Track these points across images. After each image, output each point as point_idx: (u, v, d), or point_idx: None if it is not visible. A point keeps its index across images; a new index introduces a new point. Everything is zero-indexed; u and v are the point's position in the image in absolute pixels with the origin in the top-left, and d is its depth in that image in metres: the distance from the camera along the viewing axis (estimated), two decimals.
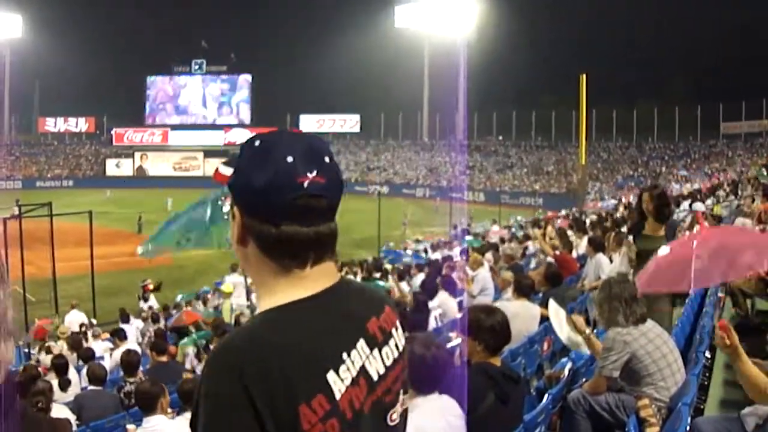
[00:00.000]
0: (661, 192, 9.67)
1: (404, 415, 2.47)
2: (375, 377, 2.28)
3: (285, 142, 2.23)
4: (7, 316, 1.76)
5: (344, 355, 2.18)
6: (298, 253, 2.21)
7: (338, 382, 2.13)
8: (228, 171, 2.31)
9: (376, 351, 2.31)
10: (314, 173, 2.17)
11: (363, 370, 2.23)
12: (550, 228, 23.70)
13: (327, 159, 2.25)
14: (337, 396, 2.11)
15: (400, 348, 2.45)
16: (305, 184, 2.15)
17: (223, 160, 2.49)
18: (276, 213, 2.16)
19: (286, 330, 2.13)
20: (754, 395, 5.47)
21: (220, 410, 2.03)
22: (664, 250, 6.28)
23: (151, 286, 28.23)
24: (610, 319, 7.02)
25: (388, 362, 2.35)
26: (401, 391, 2.43)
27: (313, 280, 2.25)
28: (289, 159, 2.16)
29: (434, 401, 5.02)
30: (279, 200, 2.14)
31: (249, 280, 23.77)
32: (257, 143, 2.25)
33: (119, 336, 17.78)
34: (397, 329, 2.47)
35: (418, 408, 4.86)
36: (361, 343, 2.26)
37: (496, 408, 5.81)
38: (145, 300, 28.13)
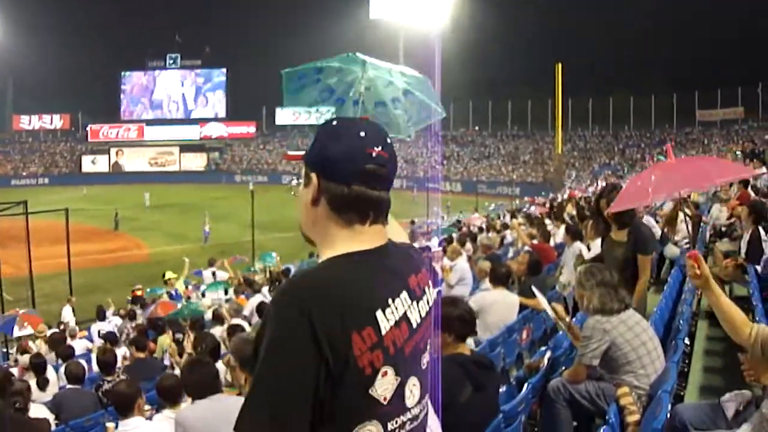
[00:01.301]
0: None
1: (427, 367, 2.81)
2: (414, 324, 2.63)
3: (357, 123, 2.74)
4: None
5: (390, 301, 2.54)
6: (362, 211, 2.62)
7: (384, 321, 2.48)
8: (298, 153, 2.56)
9: (415, 303, 2.66)
10: (380, 148, 2.63)
11: (404, 316, 2.58)
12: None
13: (388, 140, 2.71)
14: (383, 332, 2.46)
15: (430, 304, 2.81)
16: (373, 155, 2.60)
17: (288, 148, 2.71)
18: (349, 175, 2.58)
19: (343, 274, 2.50)
20: (729, 329, 5.48)
21: (285, 335, 2.34)
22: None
23: (139, 293, 28.08)
24: (602, 304, 7.00)
25: (423, 313, 2.70)
26: (428, 343, 2.79)
27: (369, 236, 2.65)
28: (362, 134, 2.62)
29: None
30: (352, 165, 2.58)
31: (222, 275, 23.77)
32: (334, 123, 2.73)
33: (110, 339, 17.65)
34: (429, 287, 2.83)
35: None
36: (404, 294, 2.62)
37: (474, 397, 5.81)
38: (134, 304, 27.94)
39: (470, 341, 10.16)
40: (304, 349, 2.32)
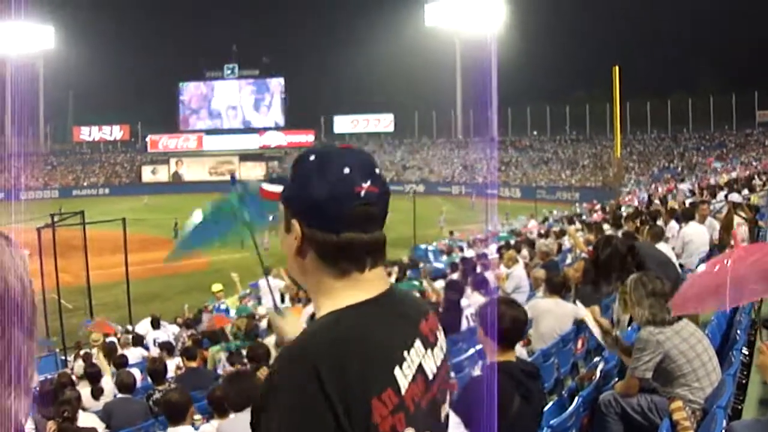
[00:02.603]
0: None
1: (448, 415, 2.55)
2: (431, 376, 2.37)
3: (338, 156, 2.37)
4: (28, 372, 1.66)
5: (405, 354, 2.29)
6: (358, 258, 2.33)
7: (402, 378, 2.22)
8: (275, 188, 2.53)
9: (429, 351, 2.41)
10: (369, 183, 2.31)
11: (420, 368, 2.33)
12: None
13: (377, 171, 2.39)
14: (403, 391, 2.20)
15: (444, 350, 2.56)
16: (362, 194, 2.29)
17: (263, 180, 2.57)
18: (337, 221, 2.28)
19: (355, 328, 2.23)
20: None
21: (297, 406, 2.08)
22: (700, 269, 6.20)
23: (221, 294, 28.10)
24: (653, 315, 6.82)
25: (438, 363, 2.46)
26: (447, 390, 2.54)
27: (370, 283, 2.36)
28: (346, 170, 2.30)
29: None
30: (340, 209, 2.27)
31: (277, 283, 23.88)
32: (312, 158, 2.38)
33: (166, 348, 17.71)
34: (440, 332, 2.58)
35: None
36: (418, 343, 2.37)
37: (523, 408, 5.66)
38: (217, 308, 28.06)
39: (524, 351, 10.04)
40: (319, 422, 2.07)
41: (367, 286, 2.35)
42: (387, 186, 2.42)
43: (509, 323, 6.13)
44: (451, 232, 51.76)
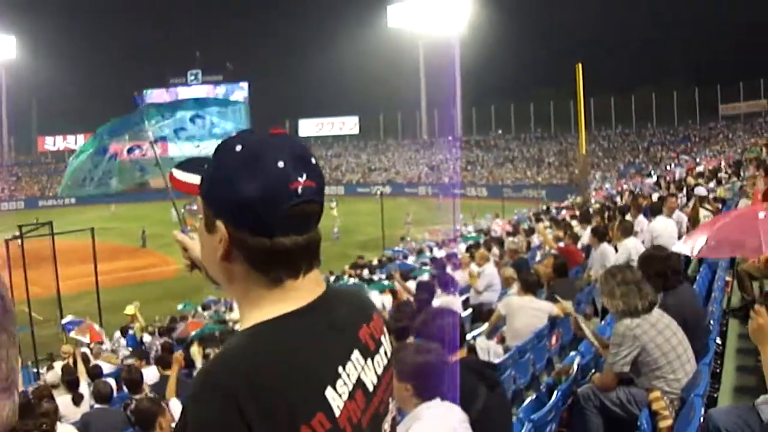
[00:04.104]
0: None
1: (394, 423, 2.37)
2: (371, 388, 2.16)
3: (270, 146, 2.04)
4: (10, 375, 1.63)
5: (340, 369, 2.05)
6: (292, 264, 2.06)
7: (336, 399, 1.98)
8: (191, 178, 2.25)
9: (369, 361, 2.19)
10: (305, 177, 2.01)
11: (359, 382, 2.10)
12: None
13: (312, 161, 2.08)
14: (337, 413, 1.97)
15: (389, 354, 2.35)
16: (299, 190, 1.99)
17: (176, 165, 2.34)
18: (271, 224, 1.98)
19: (279, 346, 1.97)
20: None
21: None
22: (723, 218, 6.23)
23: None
24: (626, 303, 6.85)
25: (380, 371, 2.24)
26: (390, 399, 2.33)
27: (304, 291, 2.10)
28: (280, 164, 1.98)
29: (436, 408, 4.90)
30: (274, 210, 1.97)
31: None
32: (239, 148, 2.02)
33: (139, 356, 17.66)
34: (384, 335, 2.36)
35: (420, 420, 4.76)
36: (356, 354, 2.14)
37: (490, 398, 5.70)
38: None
39: (499, 348, 10.10)
40: None
41: (299, 294, 2.09)
42: (323, 178, 2.13)
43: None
44: (402, 238, 51.54)
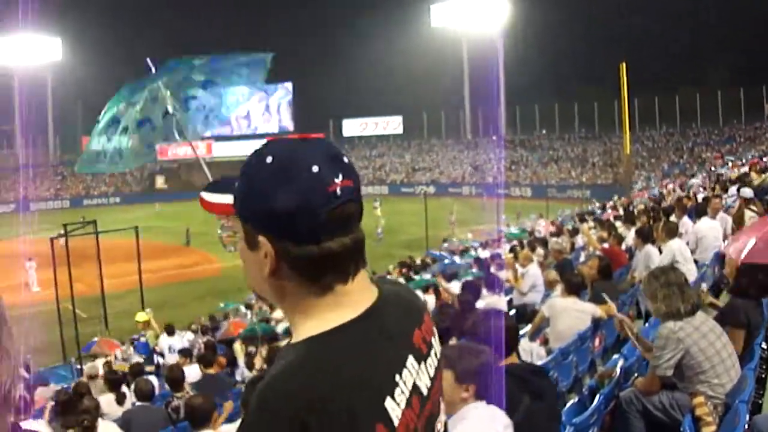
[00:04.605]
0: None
1: (445, 423, 2.34)
2: (425, 392, 2.13)
3: (301, 152, 2.02)
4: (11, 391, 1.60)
5: (397, 377, 2.03)
6: (341, 267, 2.03)
7: (395, 408, 1.97)
8: (222, 198, 2.20)
9: (422, 364, 2.16)
10: (341, 177, 1.99)
11: (415, 387, 2.08)
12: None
13: (345, 159, 2.06)
14: (395, 422, 1.96)
15: (438, 356, 2.30)
16: (338, 191, 1.97)
17: (204, 188, 2.30)
18: (316, 231, 1.95)
19: (337, 360, 1.93)
20: None
21: None
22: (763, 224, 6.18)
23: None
24: (668, 306, 6.79)
25: (432, 373, 2.20)
26: (440, 399, 2.31)
27: (355, 296, 2.07)
28: (315, 169, 1.96)
29: (483, 409, 4.88)
30: (316, 216, 1.93)
31: None
32: (270, 159, 2.01)
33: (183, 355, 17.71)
34: (434, 336, 2.32)
35: (465, 420, 4.73)
36: (411, 360, 2.11)
37: (534, 407, 5.65)
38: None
39: (542, 350, 10.05)
40: None
41: (350, 300, 2.06)
42: (358, 174, 2.09)
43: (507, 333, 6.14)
44: (445, 239, 51.31)
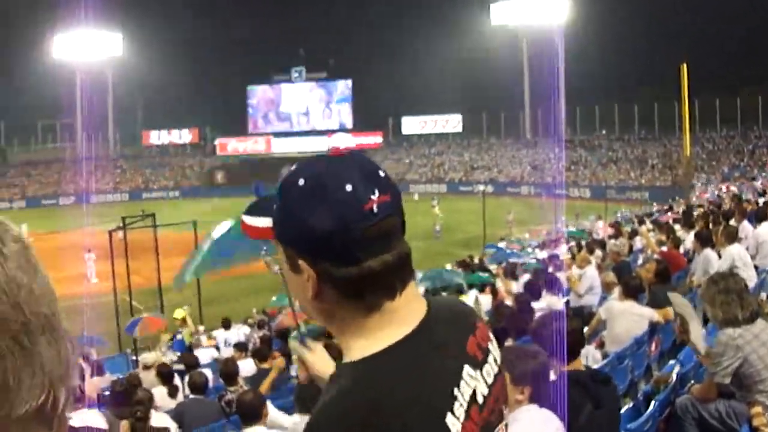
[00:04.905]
0: None
1: (506, 429, 2.27)
2: (481, 400, 2.06)
3: (333, 171, 1.98)
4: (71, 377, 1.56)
5: (455, 391, 1.98)
6: (387, 285, 1.98)
7: (455, 423, 1.93)
8: (262, 222, 2.20)
9: (479, 372, 2.09)
10: (377, 194, 1.93)
11: (472, 397, 2.03)
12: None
13: (381, 173, 2.01)
14: None
15: (498, 362, 2.24)
16: (374, 209, 1.91)
17: (245, 211, 2.28)
18: (354, 251, 1.91)
19: (394, 381, 1.90)
20: None
21: None
22: None
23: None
24: (726, 312, 6.71)
25: (490, 380, 2.14)
26: (504, 407, 2.25)
27: (405, 311, 2.02)
28: (348, 188, 1.91)
29: (533, 412, 4.87)
30: (352, 236, 1.89)
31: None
32: (302, 182, 1.98)
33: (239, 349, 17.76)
34: (491, 342, 2.25)
35: (517, 422, 4.72)
36: (467, 370, 2.05)
37: (594, 416, 5.62)
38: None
39: (597, 353, 10.00)
40: None
41: (400, 317, 2.01)
42: (397, 187, 2.04)
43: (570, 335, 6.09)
44: (502, 238, 51.10)
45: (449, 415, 1.92)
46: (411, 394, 1.87)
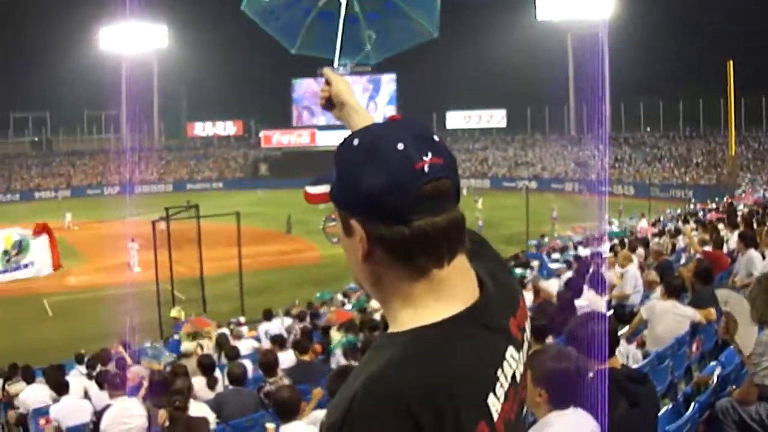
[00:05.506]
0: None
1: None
2: (518, 379, 2.13)
3: (387, 132, 2.03)
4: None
5: (499, 372, 2.03)
6: (435, 248, 1.99)
7: (496, 404, 1.98)
8: (322, 188, 2.19)
9: (518, 353, 2.16)
10: (430, 155, 1.96)
11: (513, 379, 2.09)
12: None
13: (435, 138, 2.04)
14: (495, 418, 1.97)
15: (529, 339, 2.32)
16: (426, 169, 1.94)
17: (308, 182, 2.30)
18: (404, 209, 1.93)
19: (446, 355, 1.92)
20: None
21: None
22: None
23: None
24: (763, 313, 6.67)
25: (524, 359, 2.22)
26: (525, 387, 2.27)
27: (454, 284, 2.04)
28: (400, 146, 1.95)
29: (569, 416, 4.84)
30: (404, 194, 1.92)
31: None
32: (356, 142, 2.03)
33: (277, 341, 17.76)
34: (527, 321, 2.32)
35: (550, 427, 4.71)
36: (510, 351, 2.11)
37: (629, 413, 5.59)
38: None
39: (638, 353, 9.95)
40: None
41: (450, 287, 2.03)
42: (451, 154, 2.05)
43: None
44: (543, 236, 50.76)
45: (491, 395, 1.97)
46: (460, 372, 1.91)
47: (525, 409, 2.28)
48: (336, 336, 17.00)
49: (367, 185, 1.94)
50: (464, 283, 2.09)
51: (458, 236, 2.05)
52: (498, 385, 2.00)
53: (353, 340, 16.77)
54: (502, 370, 2.04)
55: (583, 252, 32.23)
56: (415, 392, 1.82)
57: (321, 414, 9.03)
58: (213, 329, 21.60)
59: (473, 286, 2.12)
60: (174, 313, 26.15)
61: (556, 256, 35.26)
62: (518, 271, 24.62)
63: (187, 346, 17.85)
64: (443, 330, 1.96)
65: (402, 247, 1.97)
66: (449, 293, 2.03)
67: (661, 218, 49.27)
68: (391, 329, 2.05)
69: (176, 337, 23.41)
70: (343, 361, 14.73)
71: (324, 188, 2.18)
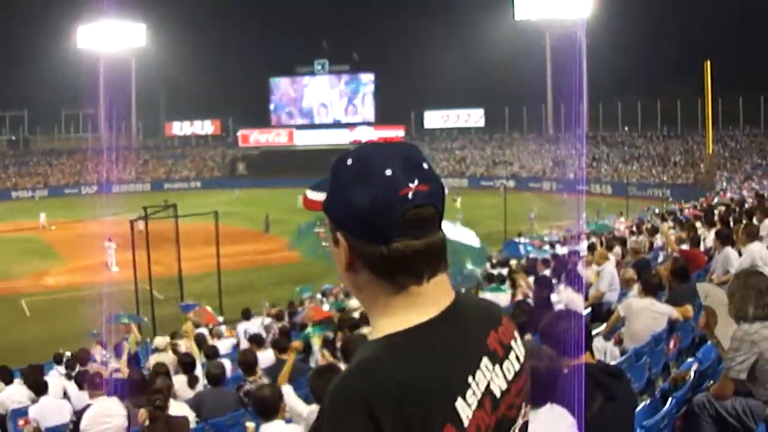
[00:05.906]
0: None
1: (525, 427, 2.37)
2: (498, 394, 2.18)
3: (379, 156, 2.13)
4: None
5: (470, 379, 2.10)
6: (413, 269, 2.11)
7: (466, 409, 2.04)
8: (319, 196, 2.24)
9: (497, 367, 2.21)
10: (416, 182, 2.08)
11: (488, 389, 2.14)
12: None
13: (425, 165, 2.14)
14: (465, 423, 2.03)
15: (521, 360, 2.35)
16: (409, 196, 2.05)
17: (310, 186, 2.37)
18: (385, 231, 2.06)
19: (413, 359, 2.02)
20: None
21: None
22: None
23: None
24: (739, 309, 6.71)
25: (510, 376, 2.25)
26: (523, 404, 2.34)
27: (432, 296, 2.15)
28: (388, 172, 2.07)
29: (546, 413, 4.89)
30: (386, 217, 2.04)
31: None
32: (350, 162, 2.15)
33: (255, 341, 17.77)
34: (516, 340, 2.36)
35: (531, 423, 4.74)
36: (485, 362, 2.17)
37: (605, 407, 5.62)
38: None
39: (616, 350, 10.01)
40: None
41: (428, 299, 2.14)
42: (439, 180, 2.17)
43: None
44: (520, 234, 50.96)
45: (460, 399, 2.04)
46: (428, 375, 2.00)
47: (519, 427, 2.31)
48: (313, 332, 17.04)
49: (354, 204, 2.07)
50: (441, 298, 2.18)
51: (439, 258, 2.17)
52: (470, 391, 2.07)
53: (328, 328, 16.82)
54: (474, 378, 2.11)
55: (561, 250, 32.34)
56: (379, 394, 1.94)
57: (301, 407, 9.06)
58: (191, 329, 21.61)
59: (450, 298, 2.22)
60: (123, 320, 26.03)
61: (533, 255, 35.35)
62: (495, 271, 24.70)
63: (159, 340, 17.86)
64: (414, 334, 2.08)
65: (381, 265, 2.10)
66: (424, 304, 2.14)
67: (639, 216, 49.49)
68: (370, 336, 2.18)
69: (125, 343, 23.48)
70: (321, 359, 14.76)
71: (320, 196, 2.25)
